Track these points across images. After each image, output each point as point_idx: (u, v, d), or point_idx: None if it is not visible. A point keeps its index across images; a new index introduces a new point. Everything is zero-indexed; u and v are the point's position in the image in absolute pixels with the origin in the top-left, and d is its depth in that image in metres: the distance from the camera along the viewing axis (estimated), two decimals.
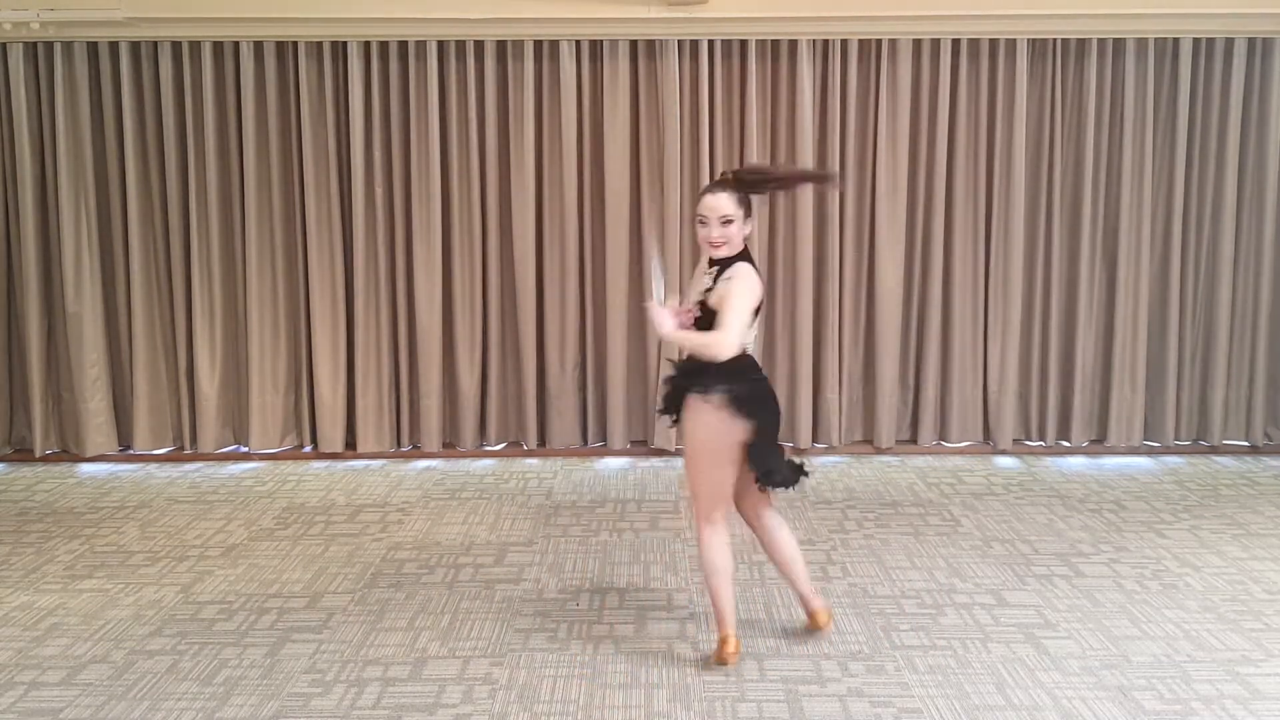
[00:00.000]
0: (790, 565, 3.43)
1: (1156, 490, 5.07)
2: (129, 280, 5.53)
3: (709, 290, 3.19)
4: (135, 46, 5.37)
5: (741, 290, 3.10)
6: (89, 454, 5.59)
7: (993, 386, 5.67)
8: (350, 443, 5.70)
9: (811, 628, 3.50)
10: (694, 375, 3.23)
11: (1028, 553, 4.22)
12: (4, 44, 5.32)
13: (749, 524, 3.47)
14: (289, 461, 5.64)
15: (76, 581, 4.01)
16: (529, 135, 5.43)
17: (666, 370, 3.47)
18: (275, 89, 5.41)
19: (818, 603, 3.48)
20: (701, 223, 3.21)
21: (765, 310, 5.62)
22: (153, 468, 5.58)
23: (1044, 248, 5.63)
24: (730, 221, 3.16)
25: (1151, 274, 5.61)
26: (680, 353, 3.46)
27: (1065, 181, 5.58)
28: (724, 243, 3.18)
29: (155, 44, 5.36)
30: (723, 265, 3.21)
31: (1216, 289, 5.62)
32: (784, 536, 3.42)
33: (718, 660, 3.28)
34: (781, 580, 3.93)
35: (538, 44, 5.38)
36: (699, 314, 3.22)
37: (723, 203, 3.16)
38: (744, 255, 3.22)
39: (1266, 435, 5.73)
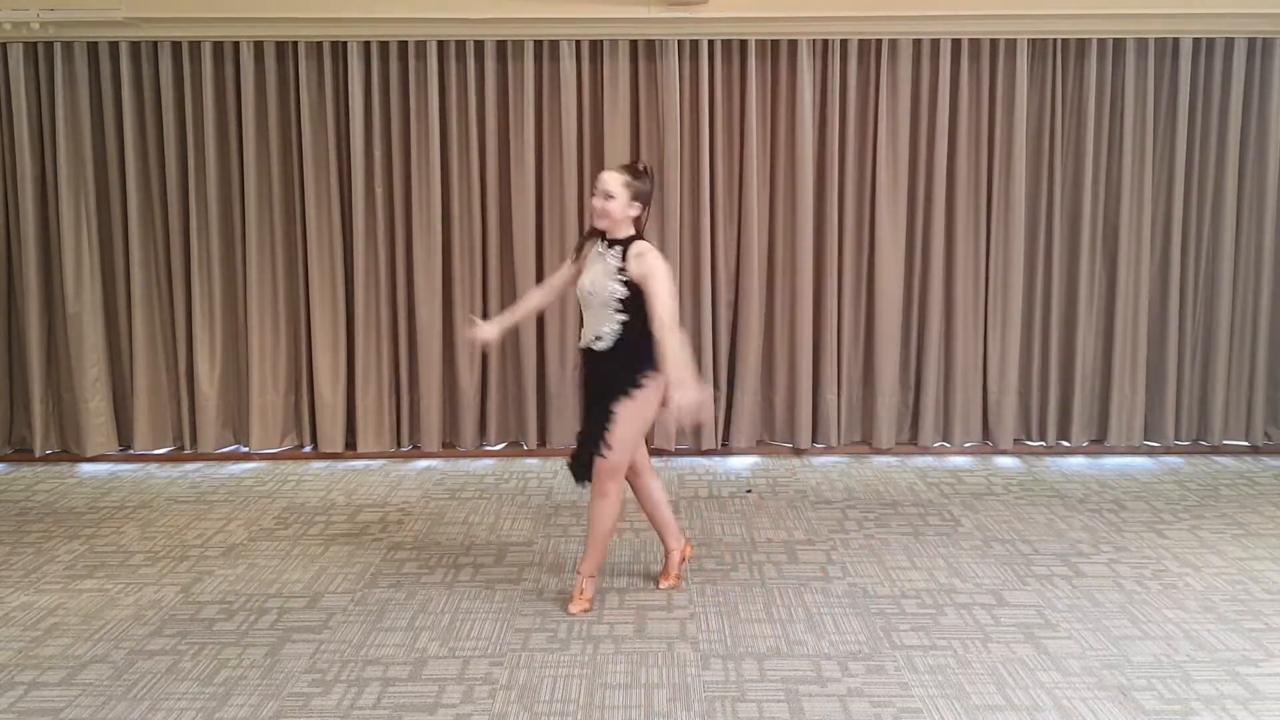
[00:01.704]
0: (661, 507, 3.84)
1: (1156, 490, 5.07)
2: (129, 280, 5.53)
3: (622, 267, 3.48)
4: (135, 46, 5.37)
5: (662, 273, 3.41)
6: (89, 454, 5.59)
7: (993, 387, 5.67)
8: (350, 443, 5.70)
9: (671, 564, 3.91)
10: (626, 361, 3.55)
11: (1028, 553, 4.22)
12: (4, 44, 5.32)
13: (631, 480, 3.75)
14: (289, 461, 5.64)
15: (76, 581, 4.01)
16: (529, 135, 5.43)
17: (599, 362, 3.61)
18: (275, 89, 5.41)
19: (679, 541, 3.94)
20: (593, 194, 3.58)
21: (765, 310, 5.65)
22: (153, 468, 5.58)
23: (1044, 248, 5.63)
24: (611, 197, 3.49)
25: (1151, 274, 5.61)
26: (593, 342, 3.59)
27: (1065, 181, 5.58)
28: (599, 214, 3.50)
29: (155, 44, 5.36)
30: (623, 244, 3.51)
31: (1216, 289, 5.62)
32: (657, 484, 3.85)
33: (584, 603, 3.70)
34: (779, 580, 3.94)
35: (538, 44, 5.38)
36: (625, 294, 3.46)
37: (608, 178, 3.52)
38: (641, 237, 3.57)
39: (1266, 435, 5.73)
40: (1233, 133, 5.48)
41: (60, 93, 5.33)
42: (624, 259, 3.48)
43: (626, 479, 3.68)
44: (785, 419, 5.73)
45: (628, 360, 3.50)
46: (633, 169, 3.54)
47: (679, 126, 5.41)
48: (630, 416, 3.51)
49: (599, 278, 3.51)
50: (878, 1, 5.07)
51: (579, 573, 3.73)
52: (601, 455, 3.52)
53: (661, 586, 3.86)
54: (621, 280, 3.47)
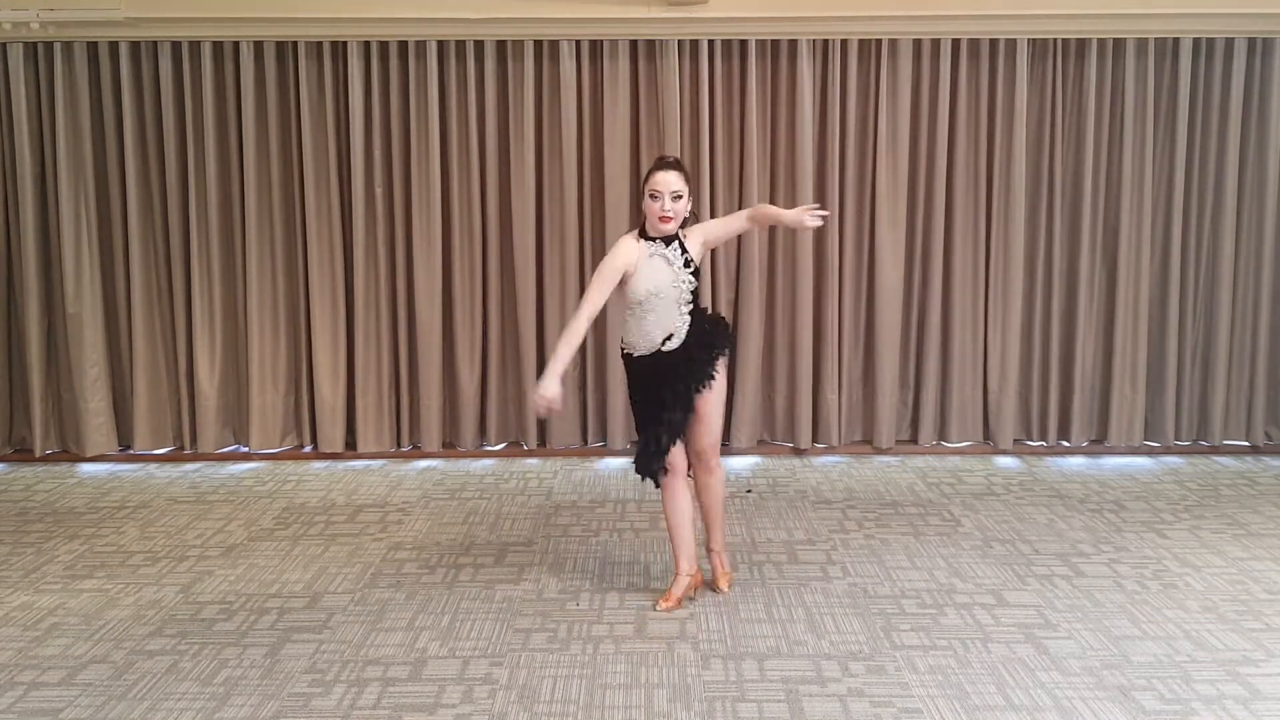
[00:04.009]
0: (716, 509, 3.79)
1: (1156, 490, 5.07)
2: (129, 280, 5.53)
3: (688, 259, 3.53)
4: (135, 46, 5.37)
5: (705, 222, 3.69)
6: (89, 454, 5.59)
7: (993, 386, 5.67)
8: (350, 443, 5.70)
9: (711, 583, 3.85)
10: (715, 337, 3.63)
11: (1028, 553, 4.22)
12: (4, 44, 5.32)
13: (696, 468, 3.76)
14: (289, 461, 5.64)
15: (76, 581, 4.01)
16: (529, 135, 5.43)
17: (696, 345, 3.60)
18: (275, 89, 5.41)
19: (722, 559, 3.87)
20: (653, 197, 3.46)
21: (765, 310, 5.65)
22: (153, 468, 5.58)
23: (1044, 247, 5.62)
24: (680, 197, 3.46)
25: (1151, 274, 5.61)
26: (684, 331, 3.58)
27: (1065, 181, 5.58)
28: (673, 217, 3.47)
29: (155, 44, 5.36)
30: (675, 239, 3.55)
31: (1216, 289, 5.62)
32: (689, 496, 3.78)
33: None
34: (779, 580, 3.94)
35: (538, 44, 5.38)
36: (695, 284, 3.56)
37: (674, 179, 3.47)
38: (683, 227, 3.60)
39: (1267, 435, 5.73)
40: (1233, 133, 5.48)
41: (60, 93, 5.33)
42: (684, 249, 3.54)
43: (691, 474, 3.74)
44: (785, 419, 5.74)
45: (704, 346, 3.59)
46: (678, 164, 3.53)
47: (679, 126, 5.41)
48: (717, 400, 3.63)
49: (666, 277, 3.50)
50: (878, 1, 5.08)
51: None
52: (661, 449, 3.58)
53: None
54: (690, 271, 3.54)
